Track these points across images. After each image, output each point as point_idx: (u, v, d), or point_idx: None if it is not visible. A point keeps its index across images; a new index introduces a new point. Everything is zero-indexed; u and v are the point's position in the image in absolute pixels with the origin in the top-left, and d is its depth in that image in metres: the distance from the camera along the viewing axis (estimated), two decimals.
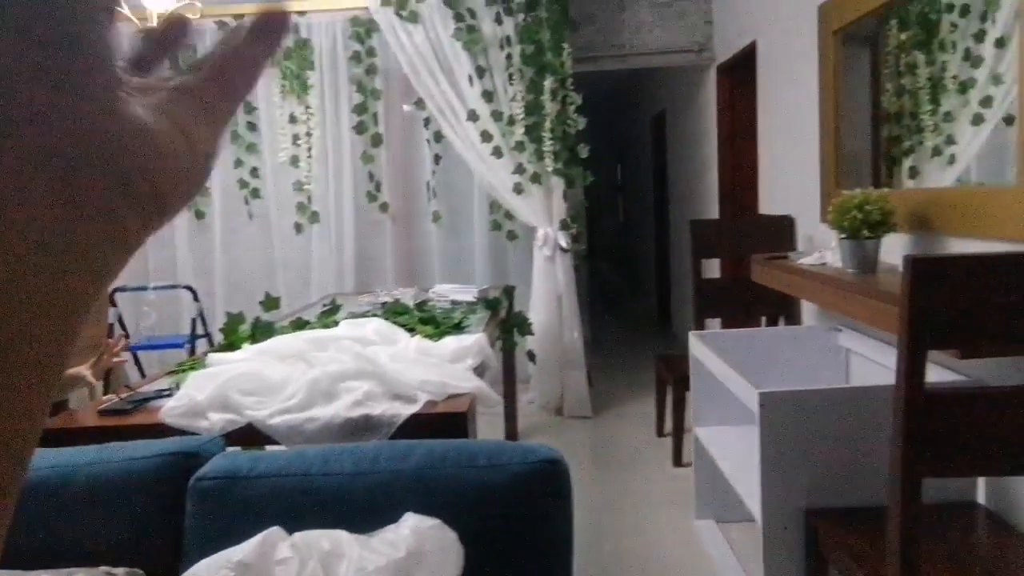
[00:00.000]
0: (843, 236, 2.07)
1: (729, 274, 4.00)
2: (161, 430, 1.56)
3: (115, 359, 2.03)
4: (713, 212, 4.58)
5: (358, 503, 1.11)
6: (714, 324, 3.43)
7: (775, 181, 3.50)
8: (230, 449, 1.35)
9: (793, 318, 3.11)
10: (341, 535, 0.98)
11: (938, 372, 1.91)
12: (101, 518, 1.13)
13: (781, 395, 1.85)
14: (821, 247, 2.59)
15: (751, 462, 1.97)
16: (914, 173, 2.22)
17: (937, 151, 2.08)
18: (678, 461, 3.32)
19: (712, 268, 4.07)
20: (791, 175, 3.24)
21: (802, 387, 1.89)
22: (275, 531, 0.98)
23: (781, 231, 3.19)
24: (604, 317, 7.21)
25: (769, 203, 3.58)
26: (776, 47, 3.37)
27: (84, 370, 1.97)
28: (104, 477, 1.15)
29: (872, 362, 2.33)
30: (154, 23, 3.08)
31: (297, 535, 0.98)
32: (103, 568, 1.04)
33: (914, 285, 1.25)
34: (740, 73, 4.07)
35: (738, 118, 4.22)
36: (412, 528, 0.99)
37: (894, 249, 2.13)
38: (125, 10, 3.12)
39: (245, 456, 1.19)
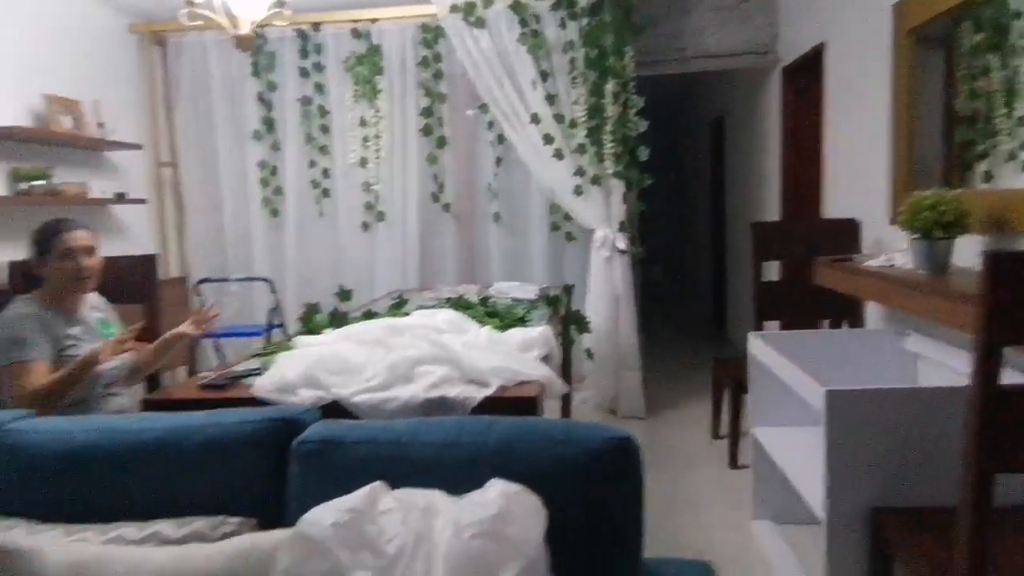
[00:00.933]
0: (915, 236, 2.06)
1: (789, 277, 3.97)
2: (254, 403, 1.68)
3: (210, 318, 2.41)
4: (772, 216, 4.56)
5: (445, 471, 1.18)
6: (773, 327, 3.42)
7: (840, 184, 3.47)
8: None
9: (856, 322, 3.09)
10: (436, 494, 1.06)
11: (1009, 373, 1.90)
12: (215, 473, 1.23)
13: (848, 394, 1.86)
14: (888, 250, 2.57)
15: (814, 462, 1.98)
16: (988, 177, 2.20)
17: (1012, 155, 2.06)
18: (734, 463, 3.33)
19: (771, 271, 4.05)
20: (857, 178, 3.22)
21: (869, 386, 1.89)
22: (378, 485, 1.06)
23: (845, 234, 3.17)
24: (658, 320, 7.19)
25: (833, 206, 3.56)
26: (846, 48, 3.35)
27: (185, 328, 2.37)
28: (216, 437, 1.25)
29: (942, 366, 2.30)
30: (245, 30, 3.22)
31: (397, 491, 1.07)
32: (221, 517, 1.14)
33: (992, 279, 1.26)
34: (805, 75, 4.05)
35: (801, 121, 4.19)
36: (499, 492, 1.06)
37: (966, 251, 2.12)
38: (218, 16, 3.28)
39: (341, 424, 1.28)
